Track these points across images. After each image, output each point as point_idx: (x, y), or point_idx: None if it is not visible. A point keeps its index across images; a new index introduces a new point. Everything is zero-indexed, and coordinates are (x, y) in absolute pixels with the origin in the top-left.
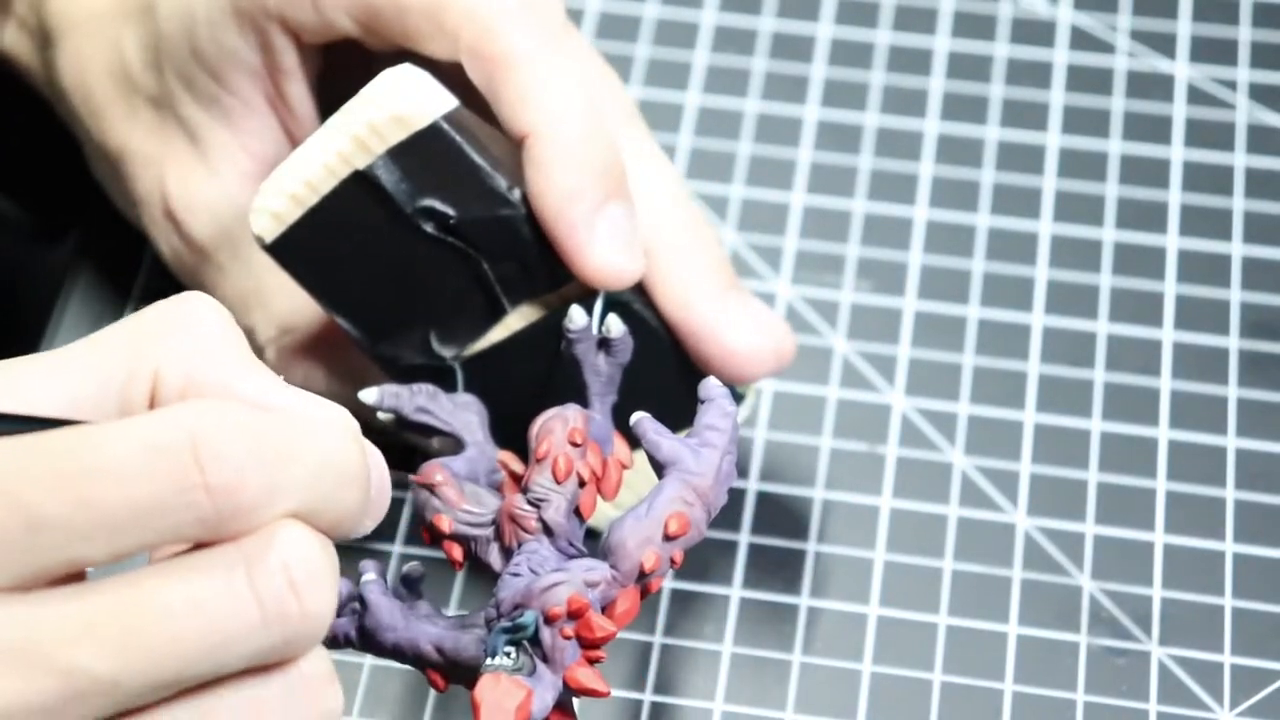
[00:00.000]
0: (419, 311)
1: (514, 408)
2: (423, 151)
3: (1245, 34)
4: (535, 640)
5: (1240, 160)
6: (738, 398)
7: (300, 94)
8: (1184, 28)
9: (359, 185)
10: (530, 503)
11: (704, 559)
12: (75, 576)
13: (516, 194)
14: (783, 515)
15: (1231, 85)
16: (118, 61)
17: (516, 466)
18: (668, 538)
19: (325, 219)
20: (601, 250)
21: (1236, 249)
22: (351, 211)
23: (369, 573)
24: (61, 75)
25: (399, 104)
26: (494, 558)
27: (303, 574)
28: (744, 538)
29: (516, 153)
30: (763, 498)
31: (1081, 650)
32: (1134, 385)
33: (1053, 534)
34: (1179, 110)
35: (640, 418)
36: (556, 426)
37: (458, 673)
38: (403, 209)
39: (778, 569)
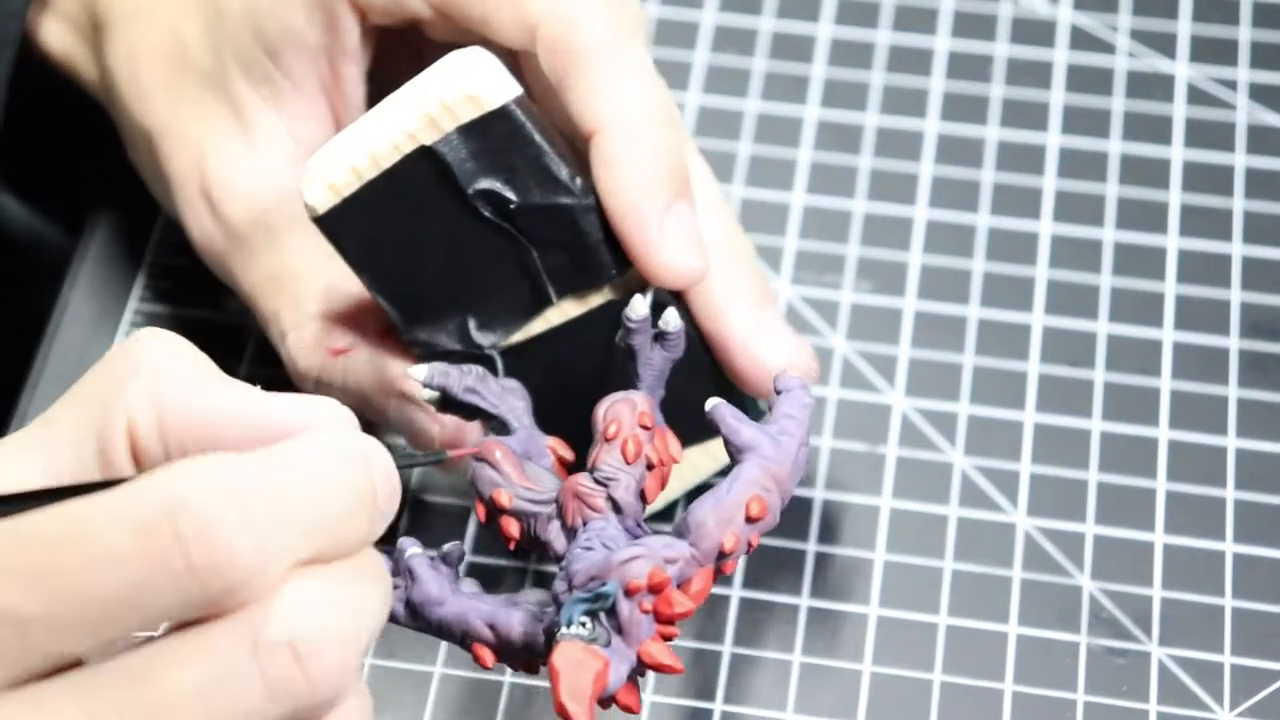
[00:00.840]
0: (461, 297)
1: (547, 401)
2: (491, 132)
3: (1245, 34)
4: (611, 613)
5: (1240, 160)
6: (757, 413)
7: (354, 77)
8: (1184, 28)
9: (422, 161)
10: (597, 481)
11: None
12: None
13: (579, 183)
14: (783, 515)
15: (1231, 85)
16: (174, 44)
17: (565, 453)
18: (748, 520)
19: (382, 194)
20: (672, 248)
21: (1236, 249)
22: (410, 188)
23: (412, 547)
24: (110, 58)
25: (472, 83)
26: (554, 535)
27: (308, 646)
28: None
29: (571, 149)
30: None
31: (1081, 650)
32: (1134, 385)
33: (1053, 534)
34: (1179, 110)
35: (717, 403)
36: (625, 410)
37: (508, 651)
38: (463, 189)
39: (778, 569)
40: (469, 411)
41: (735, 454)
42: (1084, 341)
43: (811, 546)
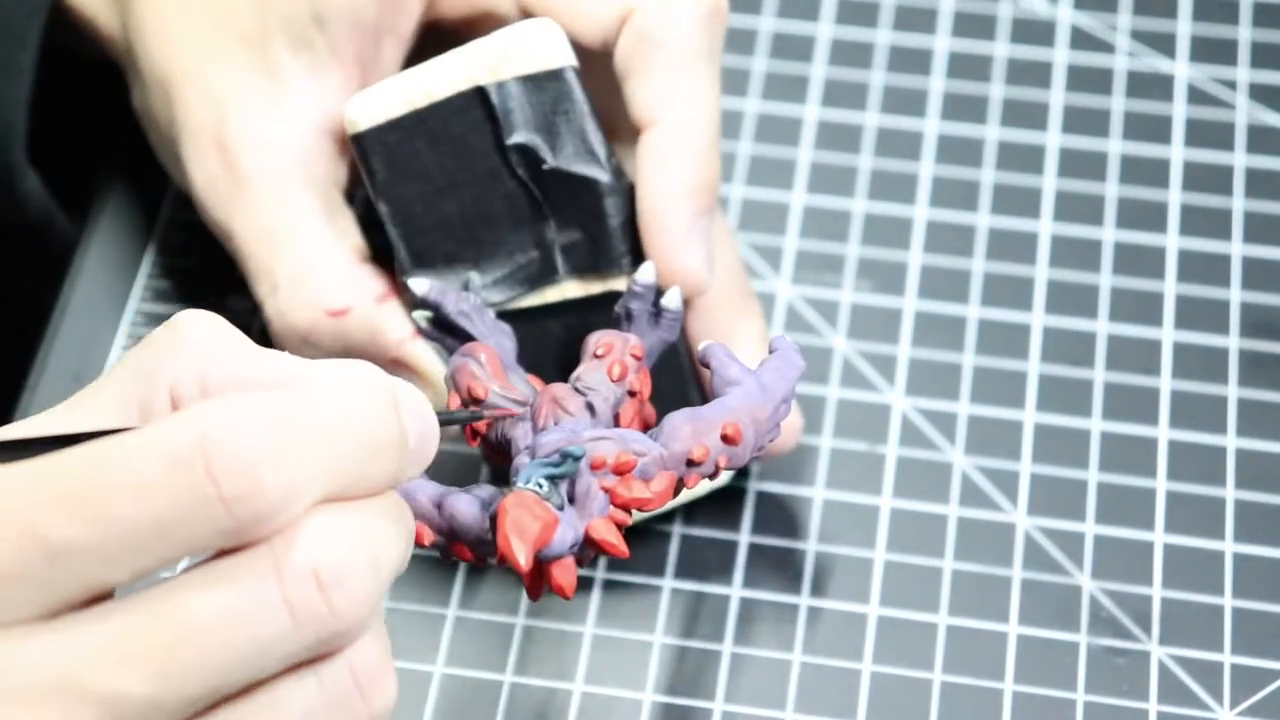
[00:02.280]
0: (469, 253)
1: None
2: (543, 90)
3: (1245, 34)
4: (569, 485)
5: (1240, 160)
6: None
7: (395, 59)
8: (1184, 28)
9: (472, 101)
10: (577, 390)
11: (703, 559)
12: (102, 595)
13: (613, 164)
14: (783, 515)
15: (1231, 85)
16: (216, 2)
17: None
18: (723, 439)
19: (424, 125)
20: (694, 256)
21: (1236, 249)
22: (453, 126)
23: None
24: (139, 10)
25: (537, 41)
26: (521, 434)
27: (331, 573)
28: (744, 538)
29: (609, 138)
30: (762, 498)
31: (1081, 650)
32: (1134, 385)
33: (1053, 534)
34: (1179, 110)
35: (710, 343)
36: (617, 340)
37: (450, 533)
38: (503, 138)
39: (778, 569)
40: (459, 336)
41: (720, 389)
42: (1084, 341)
43: (811, 546)
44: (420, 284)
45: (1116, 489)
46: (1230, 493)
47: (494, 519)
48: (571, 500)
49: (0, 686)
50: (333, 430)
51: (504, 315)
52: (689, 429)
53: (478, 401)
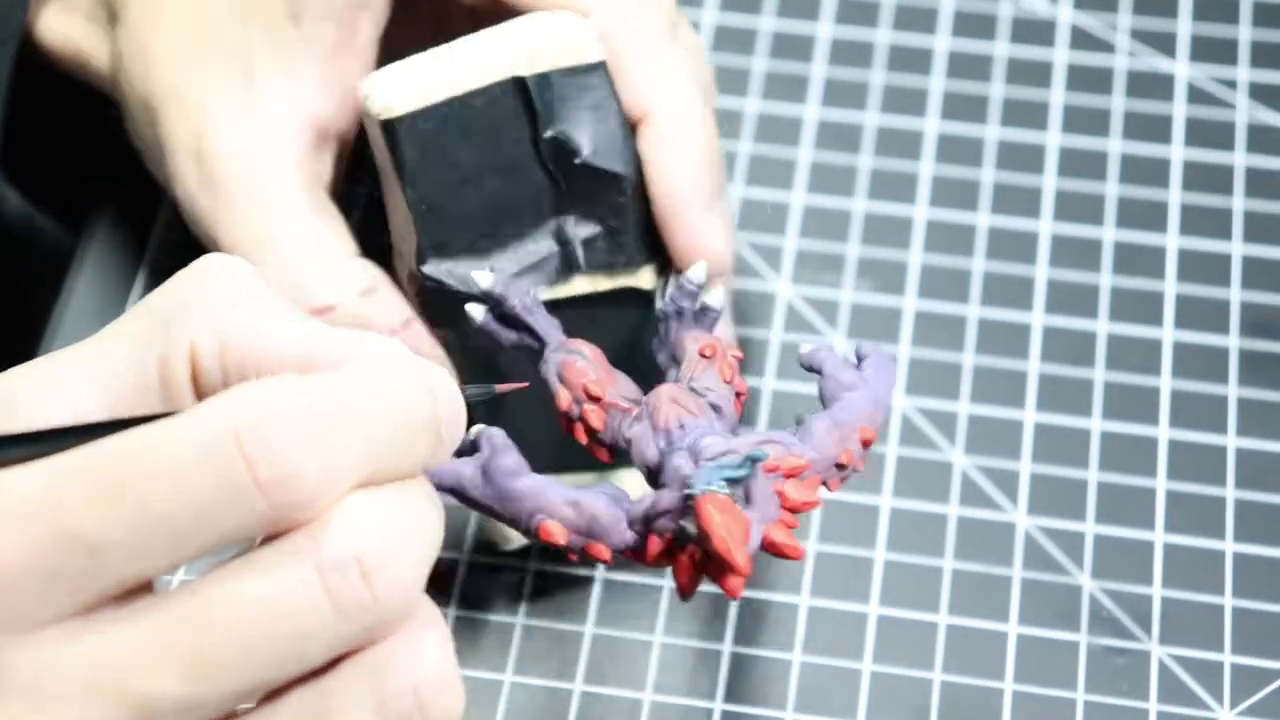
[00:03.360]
0: (488, 243)
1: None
2: (581, 84)
3: (1245, 33)
4: (743, 488)
5: (1240, 160)
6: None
7: (370, 38)
8: (1184, 27)
9: (511, 92)
10: (694, 390)
11: None
12: (140, 588)
13: (636, 161)
14: None
15: (1231, 85)
16: (197, 18)
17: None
18: (862, 444)
19: (460, 113)
20: (716, 236)
21: (1236, 249)
22: (489, 116)
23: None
24: (123, 38)
25: (573, 36)
26: (641, 434)
27: (373, 558)
28: None
29: None
30: None
31: (1082, 650)
32: (1134, 385)
33: (1053, 533)
34: (1179, 110)
35: (818, 348)
36: (717, 340)
37: (585, 530)
38: (538, 130)
39: (778, 569)
40: (518, 331)
41: (835, 393)
42: (1084, 341)
43: (811, 546)
44: (484, 277)
45: (1116, 489)
46: (1230, 492)
47: (692, 513)
48: (748, 501)
49: (36, 690)
50: (369, 414)
51: None
52: (835, 434)
53: (596, 400)
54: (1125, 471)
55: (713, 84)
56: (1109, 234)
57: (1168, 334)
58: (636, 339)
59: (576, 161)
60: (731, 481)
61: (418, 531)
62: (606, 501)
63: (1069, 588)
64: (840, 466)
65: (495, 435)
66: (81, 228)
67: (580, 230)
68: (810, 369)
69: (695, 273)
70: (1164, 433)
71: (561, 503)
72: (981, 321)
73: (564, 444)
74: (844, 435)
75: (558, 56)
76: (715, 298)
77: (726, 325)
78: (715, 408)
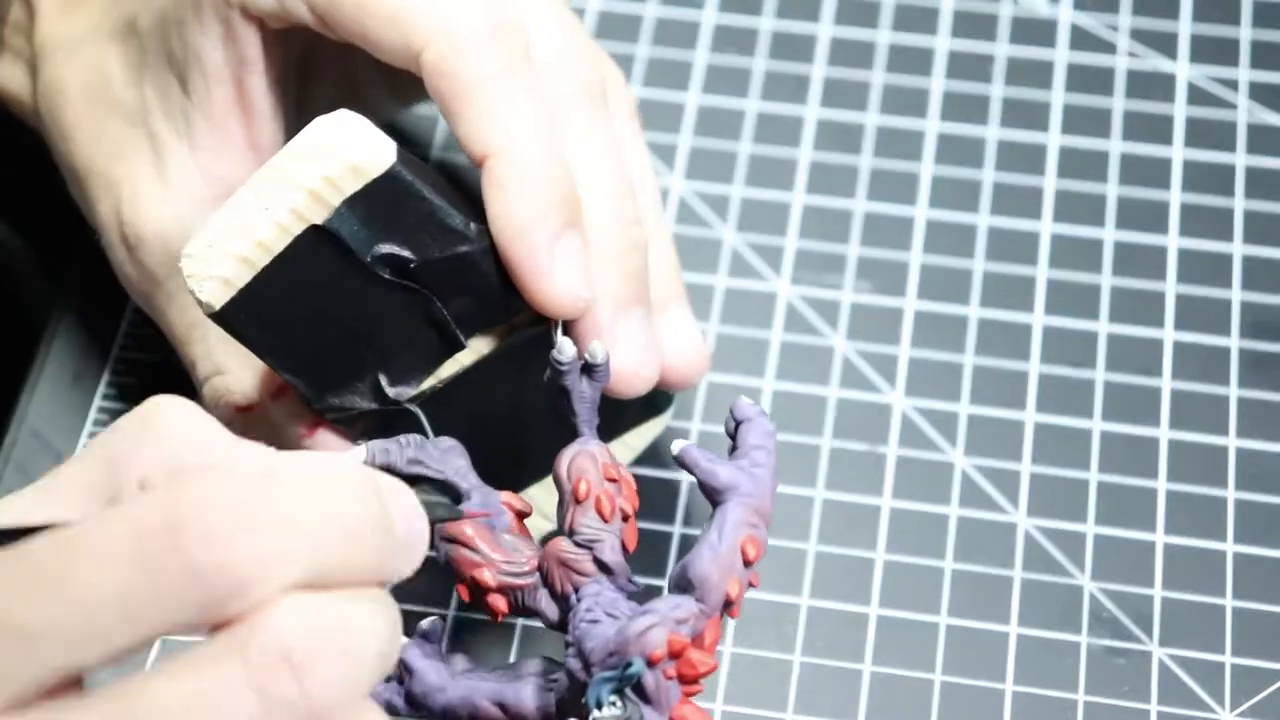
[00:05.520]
0: (370, 358)
1: (475, 440)
2: (379, 198)
3: (1245, 34)
4: (637, 686)
5: (1240, 160)
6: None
7: (261, 88)
8: (1184, 27)
9: (314, 239)
10: (579, 545)
11: None
12: (73, 682)
13: (474, 228)
14: (783, 515)
15: (1232, 85)
16: (98, 80)
17: (520, 506)
18: (746, 564)
19: (277, 278)
20: (561, 278)
21: (1236, 249)
22: (306, 267)
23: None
24: (40, 96)
25: (351, 152)
26: (544, 603)
27: (302, 655)
28: None
29: (454, 189)
30: None
31: (1082, 650)
32: (1134, 385)
33: (1053, 534)
34: (1179, 110)
35: (686, 446)
36: (589, 464)
37: None
38: (360, 258)
39: (778, 569)
40: (416, 481)
41: (714, 495)
42: (1084, 341)
43: (811, 546)
44: (358, 452)
45: (1117, 489)
46: (1231, 493)
47: None
48: (646, 700)
49: None
50: (308, 510)
51: (431, 400)
52: (716, 574)
53: (488, 590)
54: (1126, 472)
55: (634, 108)
56: (1109, 234)
57: (1168, 335)
58: None
59: (412, 266)
60: (619, 692)
61: (357, 633)
62: (532, 693)
63: (1070, 589)
64: (730, 601)
65: (407, 654)
66: (69, 256)
67: (449, 308)
68: (683, 467)
69: (562, 351)
70: (1165, 434)
71: (490, 705)
72: (982, 322)
73: (519, 458)
74: (725, 567)
75: (343, 185)
76: (598, 352)
77: (684, 319)
78: (600, 564)
